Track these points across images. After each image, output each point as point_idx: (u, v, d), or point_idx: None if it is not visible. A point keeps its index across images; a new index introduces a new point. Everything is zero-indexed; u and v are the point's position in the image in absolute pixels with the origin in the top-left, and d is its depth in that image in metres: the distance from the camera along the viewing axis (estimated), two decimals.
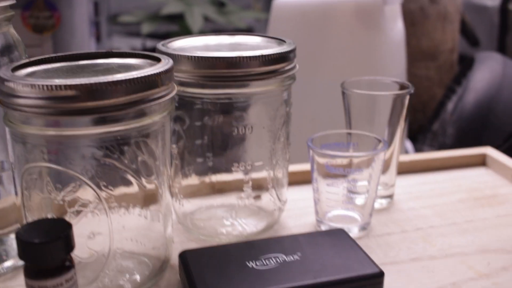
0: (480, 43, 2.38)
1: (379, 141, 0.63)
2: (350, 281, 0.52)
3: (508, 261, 0.60)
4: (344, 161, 0.62)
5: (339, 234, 0.59)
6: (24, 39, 0.58)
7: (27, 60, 0.50)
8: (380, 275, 0.53)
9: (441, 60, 2.03)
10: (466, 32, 2.28)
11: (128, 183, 0.49)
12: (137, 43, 2.90)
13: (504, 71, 1.65)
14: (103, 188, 0.48)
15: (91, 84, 0.43)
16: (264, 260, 0.54)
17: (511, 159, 0.83)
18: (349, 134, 0.68)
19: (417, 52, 1.97)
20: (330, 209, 0.65)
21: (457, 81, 1.80)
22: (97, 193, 0.48)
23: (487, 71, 1.68)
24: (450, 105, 1.72)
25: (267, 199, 0.64)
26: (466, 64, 1.85)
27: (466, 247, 0.63)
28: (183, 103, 0.59)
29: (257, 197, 0.64)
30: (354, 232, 0.65)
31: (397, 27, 1.37)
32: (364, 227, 0.65)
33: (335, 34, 1.30)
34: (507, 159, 0.83)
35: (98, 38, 2.70)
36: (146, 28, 2.60)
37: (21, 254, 0.40)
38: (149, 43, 2.82)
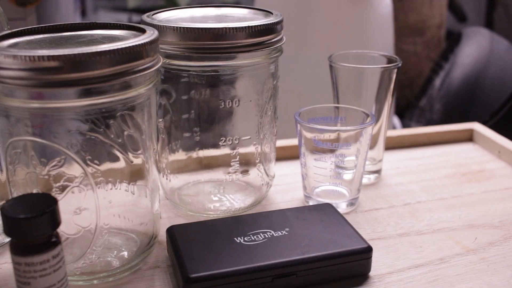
0: (468, 18, 2.38)
1: (367, 115, 0.63)
2: (338, 256, 0.52)
3: (495, 236, 0.60)
4: (332, 136, 0.62)
5: (327, 209, 0.59)
6: (7, 12, 0.57)
7: (9, 31, 0.49)
8: (368, 250, 0.53)
9: (429, 36, 2.02)
10: (454, 7, 2.28)
11: (114, 158, 0.49)
12: (123, 17, 2.86)
13: (491, 46, 1.65)
14: (89, 162, 0.47)
15: (74, 55, 0.42)
16: (252, 235, 0.54)
17: (498, 135, 0.83)
18: (337, 108, 0.68)
19: (404, 27, 1.96)
20: (318, 184, 0.64)
21: (444, 56, 1.80)
22: (83, 168, 0.47)
23: (474, 46, 1.68)
24: (437, 81, 1.72)
25: (255, 174, 0.64)
26: (453, 39, 1.85)
27: (453, 222, 0.63)
28: (169, 76, 0.58)
29: (245, 172, 0.63)
30: (342, 207, 0.64)
31: (384, 1, 1.37)
32: (352, 202, 0.65)
33: (323, 7, 1.29)
34: (494, 135, 0.83)
35: (83, 13, 2.67)
36: (132, 2, 2.57)
37: (7, 230, 0.40)
38: (135, 17, 2.79)
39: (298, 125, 0.62)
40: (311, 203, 0.65)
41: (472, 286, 0.52)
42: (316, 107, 0.65)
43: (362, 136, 0.61)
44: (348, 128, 0.62)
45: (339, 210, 0.60)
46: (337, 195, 0.65)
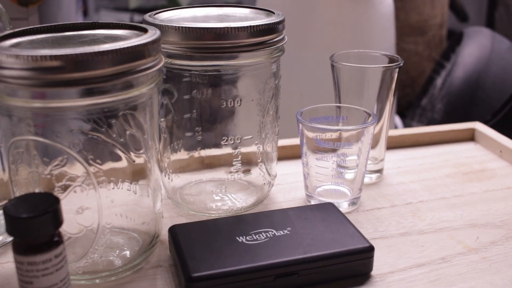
0: (469, 18, 2.38)
1: (369, 114, 0.63)
2: (340, 256, 0.52)
3: (496, 236, 0.60)
4: (334, 135, 0.62)
5: (329, 209, 0.59)
6: (10, 12, 0.57)
7: (11, 31, 0.49)
8: (370, 249, 0.53)
9: (430, 35, 2.02)
10: (455, 7, 2.28)
11: (116, 157, 0.49)
12: (124, 17, 2.87)
13: (493, 46, 1.65)
14: (91, 162, 0.47)
15: (77, 55, 0.42)
16: (254, 234, 0.54)
17: (500, 134, 0.83)
18: (339, 107, 0.68)
19: (406, 27, 1.96)
20: (320, 183, 0.64)
21: (446, 56, 1.80)
22: (85, 167, 0.47)
23: (475, 46, 1.68)
24: (439, 81, 1.72)
25: (256, 174, 0.64)
26: (455, 39, 1.85)
27: (455, 221, 0.63)
28: (171, 76, 0.58)
29: (247, 172, 0.63)
30: (343, 206, 0.64)
31: (386, 1, 1.37)
32: (353, 202, 0.65)
33: (324, 6, 1.29)
34: (495, 134, 0.83)
35: (85, 13, 2.68)
36: (133, 2, 2.57)
37: (9, 229, 0.40)
38: (137, 17, 2.80)
39: (300, 125, 0.62)
40: (313, 202, 0.65)
41: (474, 285, 0.52)
42: (318, 107, 0.65)
43: (364, 136, 0.61)
44: (350, 127, 0.62)
45: (341, 209, 0.60)
46: (338, 195, 0.65)
